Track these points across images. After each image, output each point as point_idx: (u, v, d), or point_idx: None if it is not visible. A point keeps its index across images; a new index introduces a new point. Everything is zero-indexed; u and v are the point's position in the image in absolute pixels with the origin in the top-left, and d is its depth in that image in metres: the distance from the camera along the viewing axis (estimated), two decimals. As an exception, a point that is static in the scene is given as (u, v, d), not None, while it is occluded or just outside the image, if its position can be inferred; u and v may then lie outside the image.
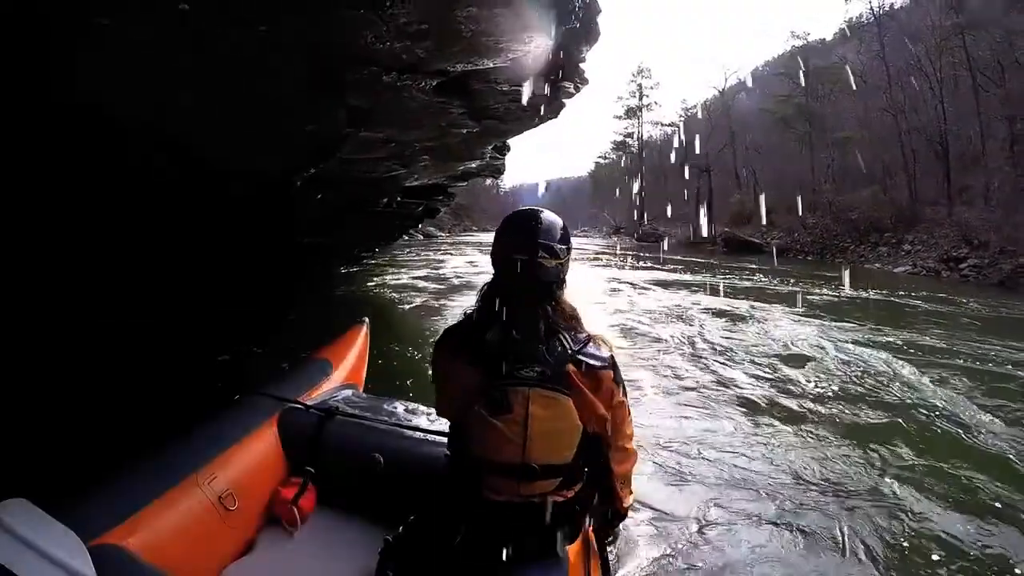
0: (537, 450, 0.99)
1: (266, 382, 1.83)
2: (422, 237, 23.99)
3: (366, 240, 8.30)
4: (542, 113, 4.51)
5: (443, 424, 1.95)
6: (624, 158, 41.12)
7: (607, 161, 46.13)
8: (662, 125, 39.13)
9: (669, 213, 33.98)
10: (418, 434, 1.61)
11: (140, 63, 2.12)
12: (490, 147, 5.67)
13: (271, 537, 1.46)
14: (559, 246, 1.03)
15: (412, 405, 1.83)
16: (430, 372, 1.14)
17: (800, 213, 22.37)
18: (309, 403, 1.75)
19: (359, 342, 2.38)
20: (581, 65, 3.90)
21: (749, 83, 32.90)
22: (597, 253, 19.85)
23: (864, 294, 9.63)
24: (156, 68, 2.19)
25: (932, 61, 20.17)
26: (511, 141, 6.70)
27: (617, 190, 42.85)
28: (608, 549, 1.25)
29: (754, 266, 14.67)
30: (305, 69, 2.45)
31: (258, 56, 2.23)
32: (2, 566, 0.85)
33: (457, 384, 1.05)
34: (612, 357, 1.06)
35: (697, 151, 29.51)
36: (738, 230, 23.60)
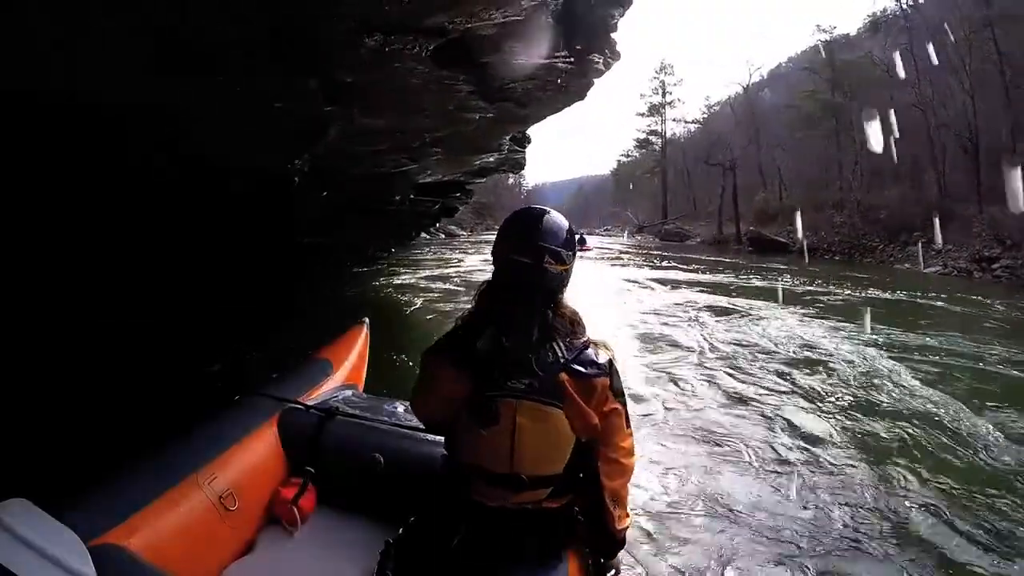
0: (525, 461, 0.98)
1: (266, 382, 1.84)
2: (444, 236, 23.70)
3: (379, 239, 7.95)
4: (567, 92, 3.84)
5: None
6: (647, 156, 40.81)
7: (629, 159, 45.85)
8: (685, 122, 39.05)
9: (694, 211, 33.26)
10: (418, 434, 1.60)
11: (136, 61, 2.02)
12: (508, 137, 5.24)
13: (271, 537, 1.46)
14: (565, 251, 0.99)
15: None
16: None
17: (827, 212, 22.09)
18: (309, 403, 1.75)
19: (359, 342, 2.39)
20: (612, 35, 3.34)
21: (773, 79, 32.26)
22: (620, 252, 19.55)
23: (891, 296, 9.47)
24: (151, 65, 2.07)
25: (962, 55, 19.46)
26: (532, 133, 6.19)
27: (640, 188, 42.31)
28: None
29: (781, 267, 14.42)
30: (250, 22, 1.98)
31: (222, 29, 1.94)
32: (2, 566, 0.86)
33: (445, 389, 1.03)
34: (611, 363, 1.03)
35: (721, 148, 29.01)
36: (764, 229, 23.27)
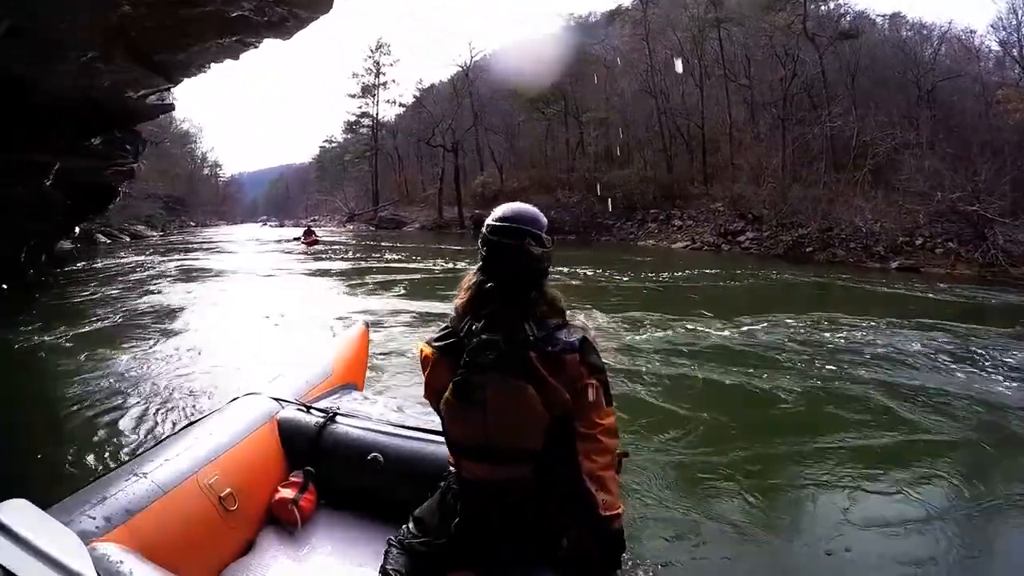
0: (499, 433, 1.04)
1: (266, 383, 1.85)
2: (128, 239, 18.62)
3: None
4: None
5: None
6: (356, 140, 37.85)
7: (334, 145, 42.89)
8: (400, 104, 36.28)
9: (407, 196, 31.83)
10: (418, 434, 1.61)
11: None
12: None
13: (271, 537, 1.46)
14: (545, 236, 1.10)
15: (411, 405, 1.83)
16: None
17: (558, 192, 22.32)
18: (309, 403, 1.76)
19: (359, 343, 2.39)
20: None
21: (496, 63, 29.23)
22: (333, 244, 17.23)
23: (643, 274, 9.24)
24: None
25: (695, 48, 21.67)
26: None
27: (348, 175, 39.70)
28: None
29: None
30: None
31: None
32: (2, 567, 0.86)
33: (435, 375, 1.11)
34: (584, 340, 1.05)
35: (441, 131, 27.57)
36: (488, 212, 23.35)
